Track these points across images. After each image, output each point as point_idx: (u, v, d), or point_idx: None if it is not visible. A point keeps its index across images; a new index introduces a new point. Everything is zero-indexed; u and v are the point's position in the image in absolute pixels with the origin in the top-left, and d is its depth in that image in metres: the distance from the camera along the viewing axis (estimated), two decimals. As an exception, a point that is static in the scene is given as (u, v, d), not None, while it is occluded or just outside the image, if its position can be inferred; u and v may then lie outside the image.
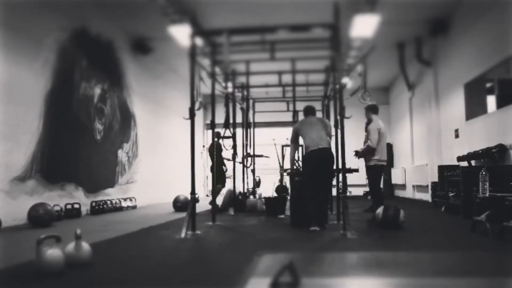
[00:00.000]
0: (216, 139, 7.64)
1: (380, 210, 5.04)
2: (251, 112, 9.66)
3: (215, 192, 7.40)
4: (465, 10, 7.97)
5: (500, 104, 6.90)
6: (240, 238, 4.62)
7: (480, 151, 6.99)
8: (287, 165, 10.12)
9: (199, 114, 10.74)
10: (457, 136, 8.53)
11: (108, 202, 7.97)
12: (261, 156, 9.29)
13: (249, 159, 8.79)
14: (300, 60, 7.23)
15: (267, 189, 9.61)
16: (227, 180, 8.72)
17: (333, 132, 5.63)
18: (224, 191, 8.34)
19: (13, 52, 5.85)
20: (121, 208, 8.33)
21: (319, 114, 9.30)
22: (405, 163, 12.80)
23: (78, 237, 2.98)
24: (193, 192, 4.72)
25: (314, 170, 5.07)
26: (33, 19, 6.27)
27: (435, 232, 4.98)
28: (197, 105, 5.58)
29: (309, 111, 5.68)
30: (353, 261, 3.19)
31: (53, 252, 2.73)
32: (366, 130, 6.00)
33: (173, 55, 10.35)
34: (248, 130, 9.00)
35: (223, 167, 8.40)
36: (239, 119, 8.47)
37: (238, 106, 8.60)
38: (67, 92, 7.13)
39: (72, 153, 7.21)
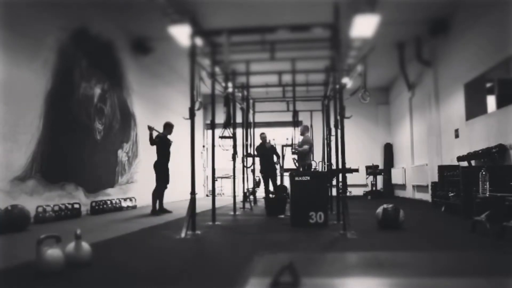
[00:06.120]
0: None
1: (380, 210, 5.04)
2: (251, 112, 9.66)
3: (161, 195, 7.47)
4: (465, 10, 7.97)
5: (500, 104, 6.90)
6: (240, 238, 4.62)
7: (480, 151, 6.99)
8: (287, 165, 10.18)
9: (199, 114, 10.74)
10: (457, 136, 8.53)
11: (108, 202, 7.98)
12: (261, 156, 9.31)
13: (249, 159, 8.80)
14: (300, 60, 7.23)
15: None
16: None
17: (333, 132, 5.67)
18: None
19: (13, 52, 5.85)
20: (121, 208, 8.33)
21: (319, 114, 9.41)
22: (405, 163, 12.81)
23: (78, 237, 2.98)
24: (193, 192, 4.72)
25: None
26: (33, 19, 6.28)
27: (435, 232, 4.98)
28: (197, 105, 5.57)
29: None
30: (353, 261, 3.20)
31: (53, 252, 2.73)
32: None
33: (173, 55, 10.36)
34: (248, 130, 9.01)
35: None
36: (239, 119, 8.47)
37: (238, 106, 8.60)
38: (67, 92, 7.13)
39: (72, 153, 7.21)
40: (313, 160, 8.33)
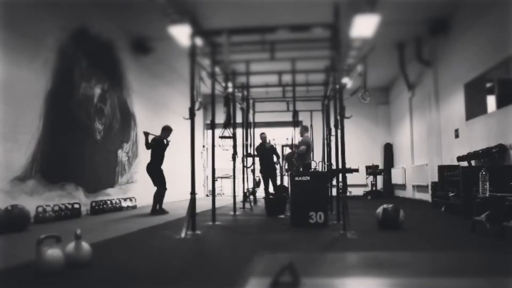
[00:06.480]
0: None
1: (380, 210, 5.04)
2: (251, 112, 9.66)
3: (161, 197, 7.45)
4: (465, 10, 7.97)
5: (500, 104, 6.90)
6: (240, 238, 4.62)
7: (480, 151, 6.99)
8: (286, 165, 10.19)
9: (199, 114, 10.73)
10: (457, 136, 8.53)
11: (108, 202, 7.98)
12: (261, 156, 9.30)
13: (249, 159, 8.80)
14: (300, 60, 7.23)
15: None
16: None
17: (333, 132, 5.68)
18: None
19: (13, 52, 5.85)
20: (121, 208, 8.33)
21: (319, 114, 9.41)
22: (405, 163, 12.81)
23: (78, 237, 2.98)
24: (193, 192, 4.72)
25: None
26: (33, 19, 6.28)
27: (435, 232, 4.98)
28: (197, 105, 5.58)
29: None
30: (353, 261, 3.20)
31: (53, 252, 2.73)
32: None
33: (173, 55, 10.36)
34: (248, 130, 9.00)
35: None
36: (239, 119, 8.47)
37: (238, 106, 8.60)
38: (67, 92, 7.13)
39: (72, 153, 7.21)
40: (313, 160, 8.34)
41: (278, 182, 9.61)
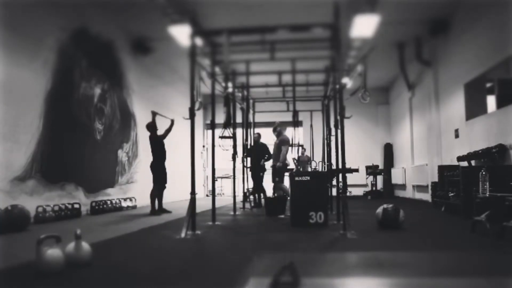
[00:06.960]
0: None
1: (380, 210, 5.04)
2: (251, 112, 9.66)
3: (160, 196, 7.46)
4: (465, 10, 7.98)
5: (500, 104, 6.90)
6: (240, 238, 4.62)
7: (480, 151, 6.99)
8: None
9: (199, 114, 10.74)
10: (457, 136, 8.53)
11: (108, 202, 7.98)
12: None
13: (249, 159, 8.78)
14: (300, 60, 7.23)
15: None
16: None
17: (333, 132, 5.69)
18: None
19: (13, 52, 5.85)
20: (121, 208, 8.33)
21: (319, 114, 9.41)
22: (405, 163, 12.81)
23: (78, 237, 2.98)
24: (193, 192, 4.72)
25: None
26: (33, 19, 6.28)
27: (435, 232, 4.98)
28: (197, 105, 5.58)
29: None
30: (353, 261, 3.20)
31: (53, 252, 2.73)
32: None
33: (173, 55, 10.36)
34: (248, 130, 9.00)
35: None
36: (239, 119, 8.47)
37: (238, 106, 8.60)
38: (67, 92, 7.13)
39: (72, 153, 7.21)
40: (313, 160, 8.32)
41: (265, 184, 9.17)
